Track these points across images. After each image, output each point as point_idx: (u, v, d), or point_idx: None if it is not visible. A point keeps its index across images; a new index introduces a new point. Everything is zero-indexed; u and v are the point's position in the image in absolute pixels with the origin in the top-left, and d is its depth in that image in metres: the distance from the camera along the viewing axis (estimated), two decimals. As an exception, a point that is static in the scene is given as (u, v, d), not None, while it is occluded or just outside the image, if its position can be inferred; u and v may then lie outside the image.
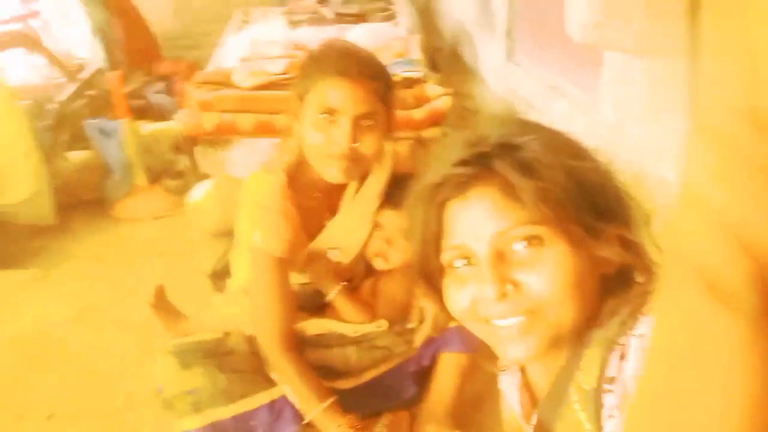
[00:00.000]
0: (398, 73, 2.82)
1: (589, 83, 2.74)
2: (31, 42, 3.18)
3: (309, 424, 1.29)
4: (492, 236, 0.70)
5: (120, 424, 1.59)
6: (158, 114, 3.65)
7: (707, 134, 0.33)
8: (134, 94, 3.67)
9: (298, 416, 1.30)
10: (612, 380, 0.65)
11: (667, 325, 0.39)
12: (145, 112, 3.62)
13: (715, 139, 0.32)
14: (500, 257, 0.70)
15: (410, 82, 2.79)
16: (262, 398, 1.26)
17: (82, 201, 2.83)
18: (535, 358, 0.75)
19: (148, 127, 3.31)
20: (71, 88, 3.30)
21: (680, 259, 0.36)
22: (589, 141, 0.78)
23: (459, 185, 0.72)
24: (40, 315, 2.03)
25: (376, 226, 1.43)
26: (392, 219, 1.39)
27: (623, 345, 0.65)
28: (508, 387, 0.93)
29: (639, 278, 0.74)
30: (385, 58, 3.20)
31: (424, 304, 1.42)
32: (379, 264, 1.46)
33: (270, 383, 1.31)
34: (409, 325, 1.43)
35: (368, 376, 1.44)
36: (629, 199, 0.74)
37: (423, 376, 1.48)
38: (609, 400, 0.65)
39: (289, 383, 1.27)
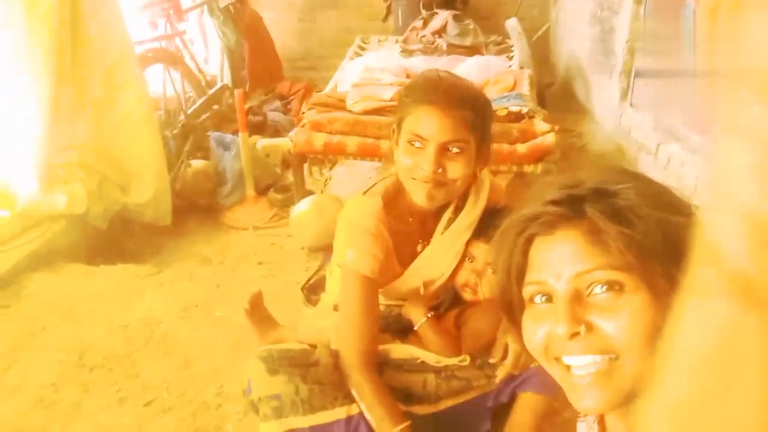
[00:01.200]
0: (505, 106, 2.82)
1: (706, 127, 2.61)
2: (172, 59, 3.50)
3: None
4: (572, 275, 0.71)
5: (207, 417, 1.69)
6: (273, 130, 3.88)
7: (738, 130, 0.32)
8: (253, 111, 3.92)
9: None
10: None
11: (697, 328, 0.38)
12: (261, 128, 3.86)
13: (746, 135, 0.31)
14: (577, 297, 0.71)
15: (517, 117, 2.78)
16: (339, 413, 1.30)
17: (196, 206, 3.05)
18: (607, 410, 0.73)
19: (262, 141, 3.53)
20: (199, 101, 3.58)
21: (711, 260, 0.36)
22: (704, 186, 0.77)
23: (548, 223, 0.74)
24: (149, 308, 2.21)
25: (468, 257, 1.45)
26: (484, 251, 1.40)
27: None
28: None
29: None
30: (493, 92, 3.22)
31: (509, 340, 1.40)
32: (467, 295, 1.47)
33: (349, 399, 1.34)
34: (491, 360, 1.42)
35: (445, 405, 1.44)
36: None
37: (499, 412, 1.46)
38: None
39: (366, 402, 1.31)
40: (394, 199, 1.40)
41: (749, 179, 0.32)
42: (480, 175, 1.44)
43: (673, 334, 0.41)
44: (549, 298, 0.74)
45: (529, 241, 0.76)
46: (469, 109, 1.28)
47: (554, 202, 0.74)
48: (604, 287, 0.70)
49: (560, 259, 0.72)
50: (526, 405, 1.42)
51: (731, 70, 0.33)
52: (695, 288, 0.39)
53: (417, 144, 1.28)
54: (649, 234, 0.68)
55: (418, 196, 1.32)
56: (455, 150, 1.28)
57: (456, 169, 1.28)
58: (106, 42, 2.60)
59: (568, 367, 0.72)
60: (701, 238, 0.37)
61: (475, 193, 1.44)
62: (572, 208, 0.73)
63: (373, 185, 1.48)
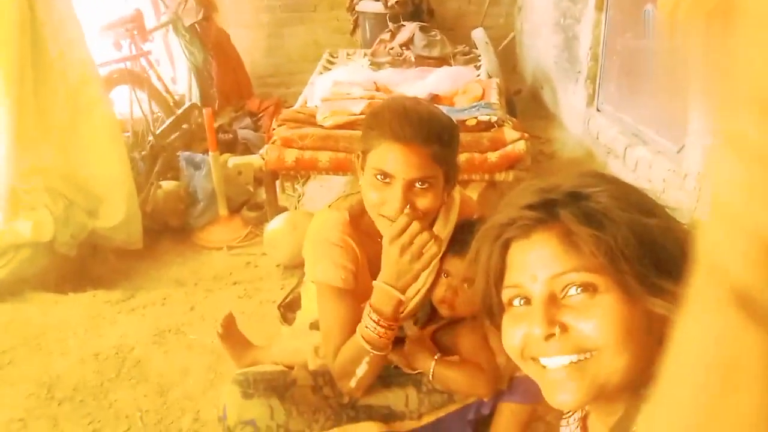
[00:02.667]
0: (475, 116, 2.84)
1: (673, 130, 2.65)
2: (138, 80, 3.46)
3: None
4: (547, 278, 0.73)
5: (185, 445, 1.65)
6: (244, 148, 3.85)
7: (736, 142, 0.32)
8: (223, 129, 3.89)
9: None
10: None
11: (696, 342, 0.38)
12: (232, 146, 3.82)
13: (744, 146, 0.31)
14: (553, 299, 0.73)
15: (486, 126, 2.80)
16: (316, 438, 1.28)
17: (168, 228, 3.01)
18: (581, 405, 0.76)
19: (233, 160, 3.49)
20: (167, 121, 3.54)
21: (711, 274, 0.35)
22: (671, 189, 0.79)
23: (524, 227, 0.76)
24: (121, 334, 2.16)
25: (444, 273, 1.43)
26: (458, 267, 1.39)
27: None
28: None
29: None
30: (462, 101, 3.24)
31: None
32: (444, 311, 1.46)
33: (330, 423, 1.32)
34: None
35: (426, 419, 1.42)
36: None
37: (482, 424, 1.45)
38: None
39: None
40: (361, 216, 1.38)
41: (748, 193, 0.32)
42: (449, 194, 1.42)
43: (672, 348, 0.41)
44: (527, 301, 0.76)
45: (506, 246, 0.78)
46: (437, 143, 1.23)
47: (529, 207, 0.76)
48: (579, 289, 0.72)
49: (536, 262, 0.75)
50: (508, 415, 1.41)
51: (725, 86, 0.32)
52: (695, 301, 0.38)
53: (383, 179, 1.24)
54: (621, 236, 0.70)
55: (386, 232, 1.29)
56: (423, 186, 1.24)
57: (424, 203, 1.25)
58: (68, 64, 2.55)
59: (543, 367, 0.74)
60: (700, 251, 0.36)
61: (445, 210, 1.42)
62: (547, 211, 0.75)
63: (339, 198, 1.47)
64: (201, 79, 4.10)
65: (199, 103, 3.94)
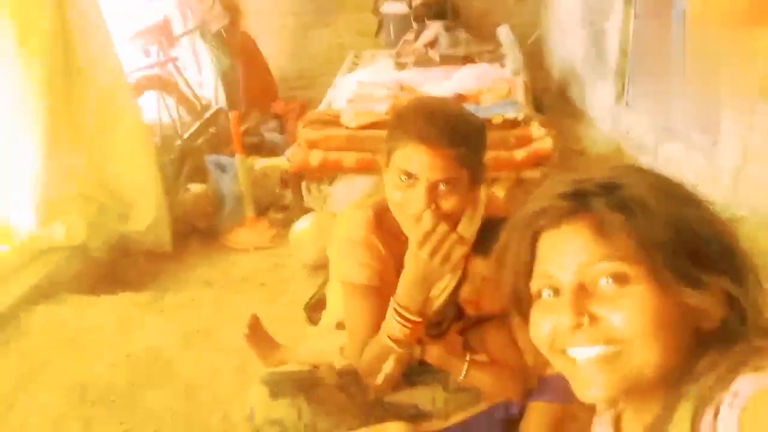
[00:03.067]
0: (501, 114, 2.81)
1: (706, 125, 2.59)
2: (166, 85, 3.51)
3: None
4: (577, 268, 0.72)
5: (214, 445, 1.66)
6: (270, 150, 3.88)
7: None
8: (249, 132, 3.92)
9: None
10: None
11: None
12: (258, 148, 3.86)
13: None
14: (582, 289, 0.72)
15: (513, 123, 2.77)
16: (344, 438, 1.27)
17: (196, 230, 3.04)
18: (611, 398, 0.73)
19: (260, 162, 3.52)
20: (195, 126, 3.58)
21: None
22: (705, 184, 0.78)
23: (554, 217, 0.74)
24: (151, 336, 2.19)
25: (466, 273, 1.41)
26: (482, 266, 1.37)
27: (718, 402, 0.63)
28: None
29: (745, 334, 0.71)
30: (488, 100, 3.22)
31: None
32: (470, 309, 1.43)
33: (357, 423, 1.31)
34: None
35: (455, 419, 1.41)
36: (739, 253, 0.72)
37: (511, 424, 1.42)
38: None
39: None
40: (386, 214, 1.37)
41: None
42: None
43: None
44: (556, 292, 0.74)
45: (537, 236, 0.77)
46: (463, 145, 1.20)
47: (561, 196, 0.74)
48: (610, 279, 0.70)
49: (566, 252, 0.73)
50: (538, 414, 1.38)
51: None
52: None
53: (407, 180, 1.22)
54: (655, 225, 0.69)
55: (410, 232, 1.26)
56: (447, 187, 1.22)
57: (449, 205, 1.23)
58: (98, 72, 2.60)
59: (573, 360, 0.73)
60: None
61: (470, 210, 1.40)
62: (579, 202, 0.73)
63: (363, 197, 1.46)
64: (227, 84, 4.15)
65: (225, 107, 3.98)
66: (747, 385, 0.61)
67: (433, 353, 1.31)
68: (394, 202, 1.26)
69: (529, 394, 1.40)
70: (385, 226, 1.36)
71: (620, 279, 0.70)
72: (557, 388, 1.37)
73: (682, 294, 0.68)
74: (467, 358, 1.34)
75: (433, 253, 1.19)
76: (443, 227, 1.19)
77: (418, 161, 1.20)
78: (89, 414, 1.84)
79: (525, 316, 0.80)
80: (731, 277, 0.70)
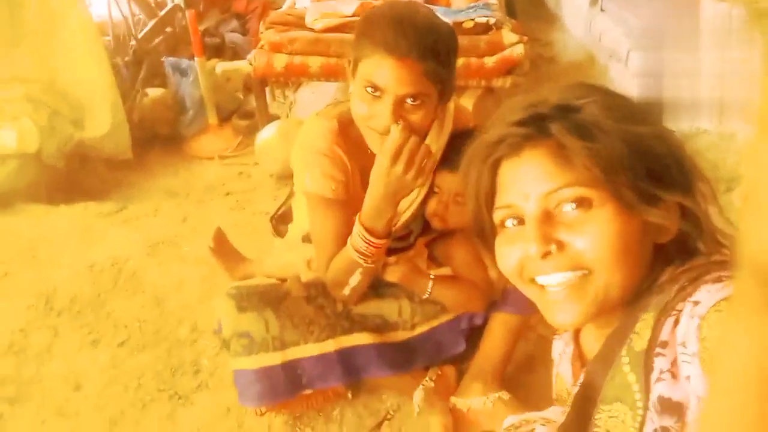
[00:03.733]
0: (472, 18, 2.70)
1: (677, 33, 2.54)
2: (114, -22, 3.25)
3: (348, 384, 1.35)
4: (540, 195, 0.71)
5: (183, 354, 1.69)
6: (232, 52, 3.69)
7: None
8: (209, 32, 3.71)
9: (344, 374, 1.34)
10: (665, 344, 0.65)
11: (742, 344, 0.38)
12: (219, 51, 3.67)
13: None
14: (547, 217, 0.71)
15: (485, 28, 2.67)
16: (311, 349, 1.30)
17: (157, 137, 2.94)
18: (582, 324, 0.75)
19: (221, 66, 3.36)
20: (150, 24, 3.37)
21: (754, 275, 0.35)
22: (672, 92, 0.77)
23: (513, 145, 0.73)
24: (114, 246, 2.16)
25: (435, 186, 1.40)
26: (449, 181, 1.36)
27: (679, 311, 0.65)
28: (561, 357, 0.93)
29: (702, 247, 0.73)
30: (461, 2, 3.08)
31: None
32: (435, 224, 1.44)
33: (325, 335, 1.34)
34: None
35: (420, 330, 1.45)
36: (690, 166, 0.73)
37: (474, 333, 1.48)
38: (660, 363, 0.65)
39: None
40: (351, 125, 1.33)
41: None
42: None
43: (717, 349, 0.40)
44: (520, 221, 0.74)
45: (496, 165, 0.76)
46: (433, 59, 1.14)
47: (519, 123, 0.73)
48: (573, 204, 0.70)
49: (527, 180, 0.72)
50: (501, 325, 1.43)
51: None
52: (739, 305, 0.37)
53: (373, 92, 1.17)
54: (614, 147, 0.68)
55: (375, 145, 1.23)
56: (415, 102, 1.17)
57: (416, 120, 1.18)
58: (38, -37, 2.39)
59: (542, 287, 0.73)
60: (742, 253, 0.34)
61: (438, 123, 1.37)
62: (537, 127, 0.72)
63: (327, 106, 1.41)
64: (184, -22, 3.86)
65: (182, 5, 3.74)
66: (707, 295, 0.62)
67: (396, 274, 1.32)
68: (359, 114, 1.21)
69: (492, 305, 1.44)
70: (350, 138, 1.32)
71: (583, 204, 0.69)
72: (519, 300, 1.39)
73: (643, 213, 0.69)
74: (431, 276, 1.36)
75: (407, 167, 1.16)
76: (414, 140, 1.16)
77: (385, 74, 1.14)
78: (56, 323, 1.84)
79: (488, 246, 0.80)
80: (684, 190, 0.71)
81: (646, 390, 0.67)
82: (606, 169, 0.68)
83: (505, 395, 1.37)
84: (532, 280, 0.74)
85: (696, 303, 0.63)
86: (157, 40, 3.36)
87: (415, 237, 1.47)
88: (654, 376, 0.66)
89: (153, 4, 3.55)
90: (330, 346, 1.33)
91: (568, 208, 0.70)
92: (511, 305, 1.42)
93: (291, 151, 1.39)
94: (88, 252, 2.14)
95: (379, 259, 1.29)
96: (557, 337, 0.95)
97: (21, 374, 1.69)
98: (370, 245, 1.23)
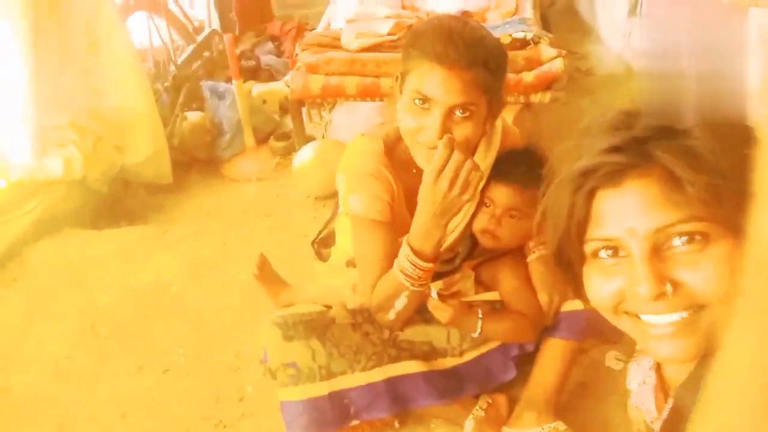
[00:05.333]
0: (509, 33, 2.68)
1: (726, 42, 2.47)
2: (155, 5, 3.32)
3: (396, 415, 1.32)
4: (650, 232, 0.64)
5: (227, 380, 1.68)
6: (268, 74, 3.73)
7: None
8: (245, 55, 3.76)
9: (392, 404, 1.31)
10: None
11: (751, 346, 0.36)
12: (256, 73, 3.71)
13: None
14: (656, 253, 0.65)
15: (521, 44, 2.64)
16: (359, 379, 1.27)
17: (196, 160, 2.97)
18: (690, 359, 0.69)
19: (257, 88, 3.39)
20: (188, 50, 3.43)
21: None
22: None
23: (612, 174, 0.66)
24: (157, 270, 2.17)
25: (486, 202, 1.37)
26: (503, 196, 1.32)
27: None
28: (640, 387, 0.86)
29: None
30: (495, 17, 3.06)
31: (539, 294, 1.36)
32: (486, 241, 1.40)
33: (372, 364, 1.31)
34: None
35: (469, 356, 1.41)
36: None
37: (526, 360, 1.43)
38: None
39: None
40: (397, 145, 1.31)
41: None
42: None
43: (730, 348, 0.37)
44: (615, 252, 0.68)
45: (591, 195, 0.69)
46: (482, 67, 1.14)
47: (614, 149, 0.66)
48: (685, 238, 0.64)
49: (632, 214, 0.65)
50: (553, 352, 1.39)
51: None
52: (749, 302, 0.36)
53: (421, 104, 1.16)
54: (730, 176, 0.61)
55: (421, 159, 1.22)
56: (464, 114, 1.16)
57: (464, 132, 1.17)
58: (82, -8, 2.45)
59: (645, 323, 0.68)
60: (753, 246, 0.32)
61: (486, 140, 1.34)
62: (637, 153, 0.65)
63: (373, 126, 1.39)
64: (220, 3, 3.93)
65: (219, 29, 3.80)
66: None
67: (445, 316, 1.27)
68: (407, 128, 1.20)
69: (543, 331, 1.39)
70: (396, 158, 1.31)
71: (697, 238, 0.64)
72: (572, 326, 1.37)
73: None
74: (480, 315, 1.32)
75: (451, 183, 1.12)
76: (459, 156, 1.13)
77: (434, 83, 1.13)
78: (101, 348, 1.86)
79: (570, 274, 0.75)
80: None
81: None
82: (724, 201, 0.62)
83: (561, 426, 1.32)
84: (633, 315, 0.69)
85: None
86: (195, 65, 3.42)
87: (461, 260, 1.44)
88: None
89: (191, 30, 3.62)
90: (377, 375, 1.30)
91: (679, 242, 0.64)
92: (564, 331, 1.37)
93: (328, 172, 1.38)
94: (132, 276, 2.16)
95: (427, 282, 1.26)
96: (634, 365, 0.89)
97: (67, 399, 1.70)
98: (417, 268, 1.21)
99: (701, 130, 0.64)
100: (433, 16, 1.26)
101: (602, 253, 0.69)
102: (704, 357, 0.69)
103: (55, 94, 2.47)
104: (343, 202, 1.34)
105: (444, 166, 1.12)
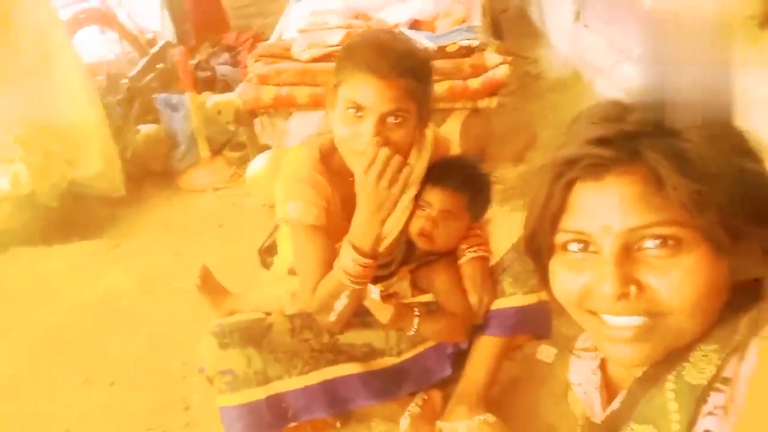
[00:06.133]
0: (455, 41, 2.74)
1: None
2: (106, 19, 3.32)
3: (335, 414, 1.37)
4: (623, 231, 0.62)
5: (174, 391, 1.69)
6: (224, 85, 3.74)
7: None
8: (201, 66, 3.77)
9: (330, 405, 1.34)
10: (726, 381, 0.61)
11: None
12: (211, 83, 3.71)
13: None
14: (626, 253, 0.63)
15: (468, 51, 2.70)
16: (295, 382, 1.30)
17: (150, 172, 2.97)
18: (645, 364, 0.68)
19: (212, 99, 3.40)
20: (141, 62, 3.42)
21: None
22: None
23: (594, 167, 0.64)
24: (109, 284, 2.17)
25: (422, 204, 1.42)
26: (439, 199, 1.38)
27: (745, 346, 0.60)
28: (584, 386, 0.86)
29: None
30: (444, 25, 3.12)
31: (470, 295, 1.41)
32: (422, 243, 1.45)
33: (309, 367, 1.34)
34: None
35: (406, 355, 1.45)
36: None
37: (460, 357, 1.48)
38: (716, 398, 0.61)
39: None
40: (333, 154, 1.35)
41: None
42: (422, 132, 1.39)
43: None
44: (585, 246, 0.66)
45: (570, 185, 0.66)
46: (412, 77, 1.20)
47: (600, 141, 0.63)
48: (658, 241, 0.62)
49: (609, 211, 0.63)
50: (483, 348, 1.44)
51: None
52: None
53: (355, 113, 1.21)
54: (719, 185, 0.59)
55: (356, 167, 1.27)
56: (396, 120, 1.21)
57: (397, 138, 1.22)
58: (28, 8, 2.45)
59: (604, 322, 0.67)
60: None
61: (417, 147, 1.40)
62: (624, 148, 0.62)
63: (310, 136, 1.44)
64: (174, 14, 3.92)
65: (173, 41, 3.80)
66: None
67: (385, 316, 1.32)
68: (342, 137, 1.25)
69: (475, 329, 1.45)
70: (332, 166, 1.35)
71: (670, 243, 0.61)
72: (502, 323, 1.42)
73: (733, 255, 0.61)
74: (416, 314, 1.37)
75: (380, 176, 1.18)
76: (386, 150, 1.18)
77: (367, 92, 1.19)
78: (51, 363, 1.85)
79: (540, 265, 0.73)
80: None
81: (688, 420, 0.63)
82: (706, 209, 0.59)
83: (490, 418, 1.37)
84: (593, 313, 0.67)
85: (766, 338, 0.59)
86: (149, 77, 3.42)
87: (397, 265, 1.48)
88: (706, 409, 0.62)
89: (144, 43, 3.61)
90: (314, 378, 1.33)
91: (651, 244, 0.62)
92: (494, 328, 1.42)
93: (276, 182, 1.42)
94: (83, 291, 2.16)
95: (366, 280, 1.30)
96: (576, 361, 0.88)
97: (16, 416, 1.69)
98: (358, 264, 1.25)
99: (695, 134, 0.61)
100: (364, 31, 1.31)
101: (572, 246, 0.67)
102: (653, 367, 0.68)
103: (2, 110, 2.45)
104: (281, 210, 1.38)
105: (372, 160, 1.18)
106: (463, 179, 1.41)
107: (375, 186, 1.19)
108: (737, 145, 0.63)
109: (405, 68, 1.20)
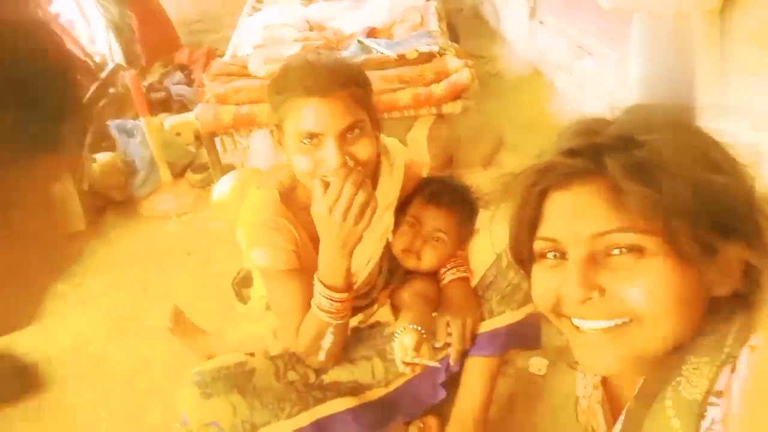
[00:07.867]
0: (415, 47, 2.71)
1: (617, 40, 2.58)
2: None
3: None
4: (587, 237, 0.65)
5: (155, 440, 1.61)
6: (180, 105, 3.63)
7: None
8: (154, 87, 3.66)
9: None
10: (720, 394, 0.61)
11: None
12: (167, 105, 3.60)
13: None
14: (592, 260, 0.66)
15: (428, 57, 2.68)
16: (283, 427, 1.24)
17: (111, 202, 2.86)
18: (614, 372, 0.70)
19: (169, 121, 3.30)
20: (92, 88, 3.29)
21: None
22: (619, 99, 0.73)
23: (564, 176, 0.68)
24: (77, 331, 2.07)
25: (409, 222, 1.39)
26: (432, 217, 1.36)
27: (735, 357, 0.61)
28: (588, 399, 0.88)
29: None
30: (402, 31, 3.09)
31: (449, 319, 1.37)
32: (408, 262, 1.41)
33: (297, 409, 1.28)
34: (437, 344, 1.38)
35: (395, 385, 1.41)
36: (761, 218, 0.65)
37: (451, 381, 1.44)
38: (713, 413, 0.61)
39: None
40: (293, 191, 1.30)
41: None
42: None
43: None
44: (562, 255, 0.69)
45: (544, 194, 0.71)
46: (354, 84, 1.14)
47: (571, 153, 0.67)
48: (623, 249, 0.64)
49: (575, 218, 0.67)
50: (474, 370, 1.40)
51: None
52: None
53: (311, 142, 1.13)
54: (677, 195, 0.61)
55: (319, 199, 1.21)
56: (354, 133, 1.14)
57: (362, 151, 1.16)
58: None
59: (577, 327, 0.69)
60: None
61: (386, 164, 1.35)
62: (592, 159, 0.66)
63: (265, 176, 1.38)
64: (121, 36, 3.80)
65: (123, 63, 3.68)
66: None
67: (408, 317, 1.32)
68: (304, 171, 1.17)
69: (466, 351, 1.41)
70: (294, 204, 1.29)
71: (635, 251, 0.64)
72: (492, 343, 1.39)
73: (702, 266, 0.63)
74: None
75: (344, 214, 1.11)
76: (350, 187, 1.11)
77: (316, 116, 1.11)
78: (19, 419, 1.75)
79: (525, 269, 0.76)
80: (750, 243, 0.64)
81: None
82: (665, 218, 0.62)
83: (489, 442, 1.34)
84: (567, 318, 0.70)
85: (755, 348, 0.60)
86: (101, 103, 3.29)
87: (379, 292, 1.44)
88: (705, 424, 0.62)
89: (93, 67, 3.48)
90: (304, 419, 1.27)
91: (617, 252, 0.65)
92: (486, 349, 1.39)
93: (236, 229, 1.36)
94: (48, 338, 2.05)
95: (347, 313, 1.25)
96: (580, 374, 0.91)
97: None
98: (334, 301, 1.20)
99: (659, 145, 0.63)
100: (287, 58, 1.25)
101: (549, 254, 0.70)
102: (654, 372, 0.69)
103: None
104: (247, 257, 1.32)
105: (337, 199, 1.11)
106: (457, 199, 1.41)
107: (339, 223, 1.12)
108: (702, 156, 0.64)
109: (345, 78, 1.14)
